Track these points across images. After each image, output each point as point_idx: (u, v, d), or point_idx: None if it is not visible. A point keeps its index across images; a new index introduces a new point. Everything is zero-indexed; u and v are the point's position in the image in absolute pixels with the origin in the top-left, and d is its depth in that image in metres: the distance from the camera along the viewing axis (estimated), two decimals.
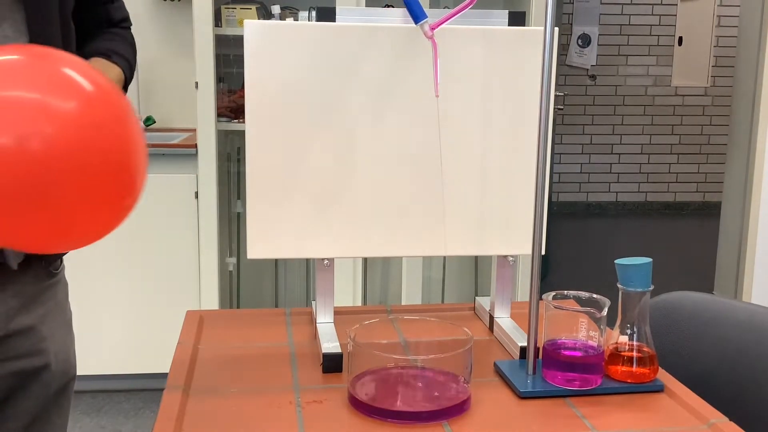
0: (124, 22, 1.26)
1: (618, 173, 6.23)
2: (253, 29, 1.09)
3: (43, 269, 1.13)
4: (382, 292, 3.15)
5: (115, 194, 0.80)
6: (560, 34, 3.50)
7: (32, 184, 0.73)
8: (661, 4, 6.05)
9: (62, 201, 0.75)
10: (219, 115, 2.74)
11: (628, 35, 6.06)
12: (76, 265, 1.46)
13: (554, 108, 2.45)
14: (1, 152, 0.71)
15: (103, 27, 1.21)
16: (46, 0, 1.03)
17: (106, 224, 0.82)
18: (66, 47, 1.07)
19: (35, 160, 0.72)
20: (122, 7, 1.26)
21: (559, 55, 1.27)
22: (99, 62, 1.12)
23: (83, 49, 1.15)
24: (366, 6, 2.70)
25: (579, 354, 1.04)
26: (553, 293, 1.06)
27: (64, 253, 1.18)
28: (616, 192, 6.26)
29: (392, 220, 1.15)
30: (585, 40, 5.94)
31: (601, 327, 1.03)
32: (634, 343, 1.05)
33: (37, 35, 1.02)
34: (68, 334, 1.20)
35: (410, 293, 2.86)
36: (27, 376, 1.11)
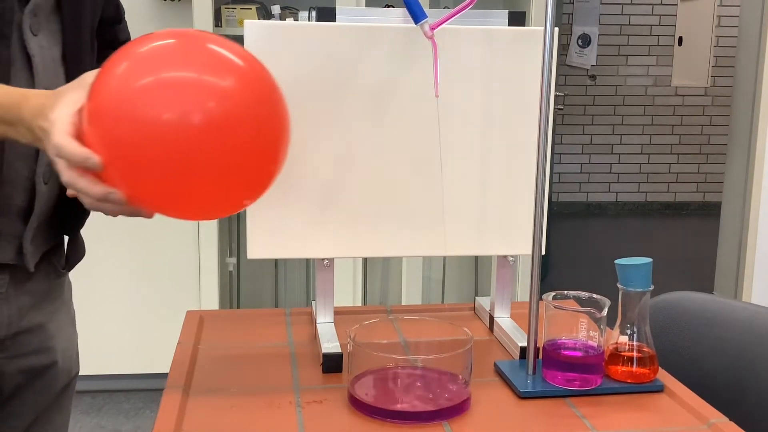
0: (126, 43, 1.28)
1: (618, 173, 6.24)
2: (253, 29, 1.09)
3: (52, 267, 1.13)
4: (382, 292, 3.15)
5: (264, 162, 0.86)
6: (560, 34, 3.50)
7: (193, 154, 0.79)
8: (661, 4, 6.05)
9: (221, 169, 0.81)
10: None
11: (628, 35, 6.07)
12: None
13: (554, 108, 2.45)
14: (166, 126, 0.77)
15: (108, 47, 1.22)
16: (80, 14, 1.06)
17: (255, 192, 0.89)
18: (92, 57, 1.11)
19: (197, 133, 0.78)
20: (126, 28, 1.29)
21: (559, 55, 1.27)
22: None
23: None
24: (366, 6, 2.70)
25: (579, 354, 1.04)
26: (553, 293, 1.06)
27: (71, 252, 1.18)
28: (616, 192, 6.27)
29: (392, 220, 1.15)
30: (585, 40, 5.94)
31: (601, 327, 1.03)
32: (634, 343, 1.05)
33: (70, 45, 1.05)
34: (73, 332, 1.21)
35: (410, 293, 2.86)
36: (35, 373, 1.12)
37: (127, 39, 1.28)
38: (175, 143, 0.78)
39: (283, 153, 0.89)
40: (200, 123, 0.78)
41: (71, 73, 1.05)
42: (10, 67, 0.97)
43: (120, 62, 0.82)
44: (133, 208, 0.85)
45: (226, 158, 0.81)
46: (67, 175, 0.82)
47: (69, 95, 0.83)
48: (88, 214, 1.10)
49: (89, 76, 0.84)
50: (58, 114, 0.81)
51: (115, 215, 0.86)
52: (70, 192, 1.04)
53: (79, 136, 0.82)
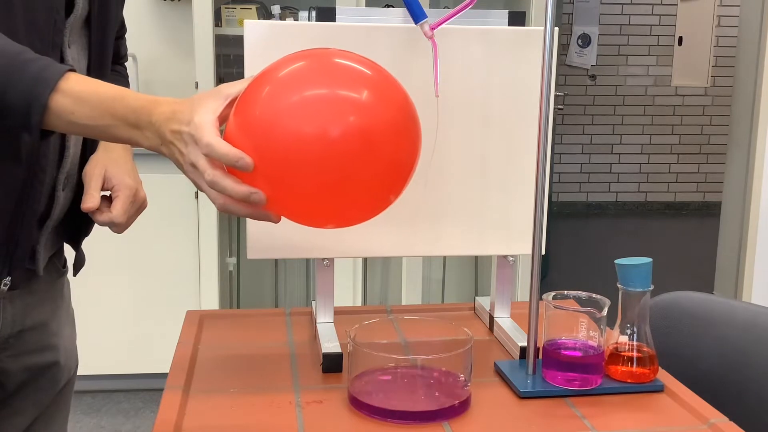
0: (125, 57, 1.32)
1: (618, 173, 6.24)
2: (253, 29, 1.09)
3: (53, 267, 1.14)
4: (382, 292, 3.15)
5: (398, 179, 0.91)
6: (560, 34, 3.50)
7: (337, 166, 0.84)
8: (661, 4, 6.05)
9: (362, 181, 0.86)
10: None
11: (628, 35, 6.07)
12: None
13: (554, 108, 2.46)
14: (310, 141, 0.83)
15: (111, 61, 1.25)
16: (105, 29, 1.11)
17: (383, 206, 0.93)
18: (109, 69, 1.16)
19: (337, 145, 0.83)
20: (125, 44, 1.33)
21: (559, 55, 1.27)
22: None
23: None
24: (366, 6, 2.70)
25: (579, 354, 1.04)
26: (553, 293, 1.06)
27: (76, 258, 1.19)
28: (616, 192, 6.26)
29: (392, 220, 1.15)
30: (585, 40, 5.94)
31: (601, 327, 1.03)
32: (634, 343, 1.05)
33: (95, 58, 1.09)
34: (72, 331, 1.22)
35: (410, 293, 2.86)
36: (38, 370, 1.13)
37: (126, 53, 1.32)
38: (319, 153, 0.83)
39: (413, 169, 0.93)
40: (340, 135, 0.84)
41: None
42: None
43: (267, 79, 0.88)
44: (263, 211, 0.89)
45: (366, 171, 0.86)
46: (210, 174, 0.85)
47: (208, 103, 0.87)
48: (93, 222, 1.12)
49: (226, 88, 0.89)
50: (204, 118, 0.85)
51: (242, 216, 0.90)
52: (84, 206, 1.05)
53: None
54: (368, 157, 0.85)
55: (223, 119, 0.88)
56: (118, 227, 1.09)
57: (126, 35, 1.32)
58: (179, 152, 0.87)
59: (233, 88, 0.89)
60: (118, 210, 1.08)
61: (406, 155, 0.91)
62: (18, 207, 1.00)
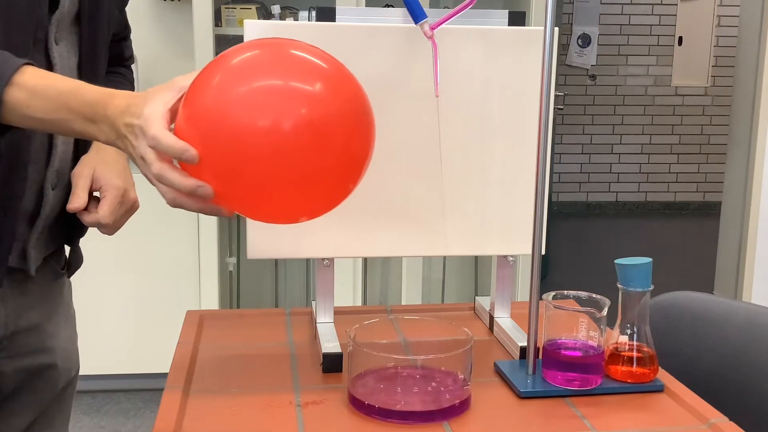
0: (130, 59, 1.32)
1: (618, 173, 6.23)
2: (253, 29, 1.09)
3: (50, 269, 1.14)
4: (382, 292, 3.15)
5: (351, 170, 0.90)
6: (560, 34, 3.50)
7: (285, 158, 0.83)
8: (661, 4, 6.05)
9: (313, 173, 0.85)
10: None
11: (628, 35, 6.06)
12: None
13: (554, 108, 2.45)
14: (263, 134, 0.81)
15: (113, 63, 1.26)
16: (96, 28, 1.10)
17: (336, 200, 0.92)
18: (104, 68, 1.15)
19: (290, 139, 0.82)
20: (130, 46, 1.32)
21: (559, 55, 1.27)
22: None
23: None
24: (366, 6, 2.70)
25: (579, 354, 1.04)
26: (553, 293, 1.06)
27: (72, 259, 1.19)
28: (616, 192, 6.26)
29: (392, 220, 1.15)
30: (585, 40, 5.94)
31: (601, 327, 1.03)
32: (634, 343, 1.05)
33: (85, 56, 1.09)
34: (72, 333, 1.22)
35: (410, 293, 2.85)
36: (34, 373, 1.12)
37: (131, 55, 1.32)
38: (269, 146, 0.82)
39: (368, 161, 0.92)
40: (292, 128, 0.82)
41: (85, 81, 1.07)
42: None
43: (219, 67, 0.86)
44: (213, 205, 0.88)
45: (317, 163, 0.84)
46: (157, 167, 0.84)
47: (160, 95, 0.87)
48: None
49: (180, 80, 0.88)
50: (152, 110, 0.85)
51: (192, 211, 0.90)
52: (70, 206, 1.05)
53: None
54: (317, 151, 0.84)
55: (174, 112, 0.87)
56: (106, 228, 1.08)
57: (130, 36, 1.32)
58: (131, 146, 0.86)
59: (187, 80, 0.88)
60: (104, 210, 1.07)
61: (358, 147, 0.89)
62: None
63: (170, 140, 0.83)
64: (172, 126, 0.87)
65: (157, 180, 0.86)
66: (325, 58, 0.89)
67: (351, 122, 0.87)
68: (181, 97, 0.87)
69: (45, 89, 0.88)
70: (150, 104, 0.85)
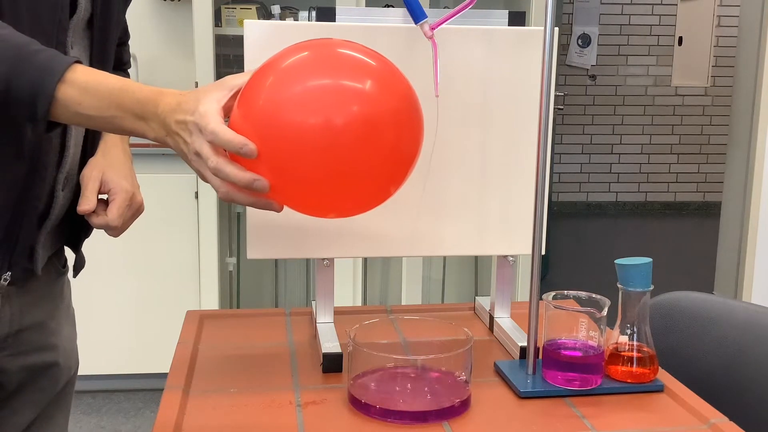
0: (127, 64, 1.33)
1: (618, 173, 6.24)
2: (253, 29, 1.09)
3: (53, 267, 1.14)
4: (382, 292, 3.15)
5: (400, 169, 0.92)
6: (560, 34, 3.50)
7: (339, 155, 0.85)
8: (661, 4, 6.05)
9: (363, 170, 0.87)
10: None
11: (628, 35, 6.07)
12: None
13: (554, 108, 2.46)
14: (313, 130, 0.84)
15: (113, 67, 1.25)
16: (106, 32, 1.11)
17: (385, 195, 0.94)
18: (110, 70, 1.15)
19: (339, 134, 0.84)
20: (129, 50, 1.33)
21: (559, 55, 1.27)
22: None
23: None
24: (366, 6, 2.70)
25: (579, 354, 1.04)
26: (553, 293, 1.06)
27: (76, 260, 1.19)
28: (616, 192, 6.27)
29: (392, 220, 1.15)
30: (585, 40, 5.94)
31: (601, 327, 1.03)
32: (634, 343, 1.05)
33: (96, 60, 1.10)
34: (72, 331, 1.22)
35: (410, 293, 2.86)
36: (37, 370, 1.12)
37: (129, 60, 1.33)
38: (321, 142, 0.85)
39: (416, 160, 0.94)
40: (343, 124, 0.85)
41: None
42: None
43: (272, 68, 0.89)
44: (266, 199, 0.90)
45: (367, 160, 0.87)
46: (214, 161, 0.86)
47: (213, 93, 0.89)
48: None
49: (231, 79, 0.90)
50: (208, 107, 0.87)
51: (245, 205, 0.91)
52: (80, 209, 1.05)
53: None
54: (370, 147, 0.86)
55: (227, 110, 0.89)
56: (114, 231, 1.09)
57: (129, 41, 1.32)
58: (183, 142, 0.88)
59: (237, 79, 0.90)
60: (113, 213, 1.08)
61: (408, 145, 0.91)
62: (19, 203, 1.00)
63: (229, 134, 0.85)
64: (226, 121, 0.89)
65: (213, 174, 0.87)
66: (375, 57, 0.91)
67: (401, 120, 0.89)
68: (234, 95, 0.89)
69: (96, 86, 0.88)
70: (204, 101, 0.87)
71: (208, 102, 0.87)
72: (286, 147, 0.85)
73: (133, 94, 0.89)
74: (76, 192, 1.10)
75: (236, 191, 0.88)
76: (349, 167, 0.86)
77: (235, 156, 0.87)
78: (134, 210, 1.13)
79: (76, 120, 0.90)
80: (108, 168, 1.11)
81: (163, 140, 0.90)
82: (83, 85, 0.88)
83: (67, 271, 1.20)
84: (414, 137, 0.92)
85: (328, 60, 0.90)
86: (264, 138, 0.86)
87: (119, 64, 1.29)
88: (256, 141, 0.85)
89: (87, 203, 1.07)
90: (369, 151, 0.87)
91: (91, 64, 1.10)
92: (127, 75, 1.33)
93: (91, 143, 1.13)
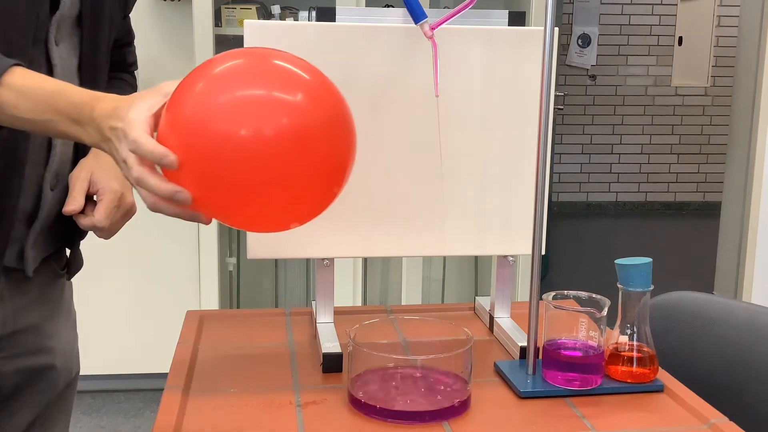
0: (133, 66, 1.32)
1: (618, 173, 6.24)
2: (253, 29, 1.09)
3: (50, 270, 1.14)
4: (382, 292, 3.15)
5: (333, 174, 0.90)
6: (560, 34, 3.50)
7: (268, 170, 0.83)
8: (661, 4, 6.05)
9: (293, 183, 0.85)
10: None
11: (628, 35, 6.07)
12: None
13: (554, 108, 2.45)
14: (243, 143, 0.82)
15: (116, 69, 1.26)
16: (97, 31, 1.10)
17: (317, 210, 0.92)
18: (105, 72, 1.16)
19: (270, 148, 0.82)
20: (134, 52, 1.32)
21: (559, 55, 1.27)
22: None
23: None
24: (366, 6, 2.70)
25: (579, 354, 1.04)
26: (553, 293, 1.06)
27: (72, 261, 1.19)
28: (616, 192, 6.26)
29: (392, 220, 1.15)
30: (585, 40, 5.94)
31: (601, 327, 1.03)
32: (634, 343, 1.05)
33: (86, 58, 1.09)
34: (72, 333, 1.21)
35: (410, 293, 2.85)
36: (33, 373, 1.12)
37: (134, 62, 1.32)
38: (249, 155, 0.82)
39: (349, 171, 0.92)
40: (273, 137, 0.83)
41: (85, 83, 1.09)
42: (39, 70, 1.00)
43: (202, 74, 0.87)
44: (192, 211, 0.88)
45: (297, 172, 0.85)
46: (137, 171, 0.85)
47: (145, 99, 0.87)
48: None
49: (166, 85, 0.89)
50: (136, 114, 0.85)
51: (171, 216, 0.90)
52: (66, 209, 1.05)
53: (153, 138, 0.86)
54: (297, 160, 0.84)
55: (159, 117, 0.87)
56: (102, 232, 1.08)
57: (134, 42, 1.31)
58: (114, 149, 0.86)
59: (173, 85, 0.88)
60: (100, 214, 1.07)
61: (338, 156, 0.89)
62: None
63: (150, 145, 0.83)
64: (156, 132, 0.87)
65: (136, 183, 0.86)
66: (307, 69, 0.89)
67: (331, 132, 0.87)
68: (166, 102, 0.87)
69: (33, 90, 0.88)
70: (134, 108, 0.85)
71: (139, 109, 0.85)
72: (208, 159, 0.83)
73: (69, 98, 0.88)
74: (68, 192, 1.09)
75: (161, 202, 0.86)
76: (274, 180, 0.84)
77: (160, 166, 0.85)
78: (124, 211, 1.11)
79: (13, 123, 0.89)
80: (97, 168, 1.10)
81: (99, 146, 0.89)
82: (20, 88, 0.87)
83: (66, 274, 1.19)
84: (343, 147, 0.90)
85: (257, 70, 0.87)
86: (187, 148, 0.83)
87: (124, 66, 1.28)
88: (180, 151, 0.83)
89: (73, 203, 1.06)
90: (295, 163, 0.84)
91: (81, 63, 1.09)
92: (134, 77, 1.32)
93: (83, 143, 1.12)
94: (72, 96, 0.89)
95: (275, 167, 0.83)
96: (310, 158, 0.85)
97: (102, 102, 0.88)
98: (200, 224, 2.83)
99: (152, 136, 0.85)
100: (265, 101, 0.84)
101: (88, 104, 0.88)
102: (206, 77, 0.86)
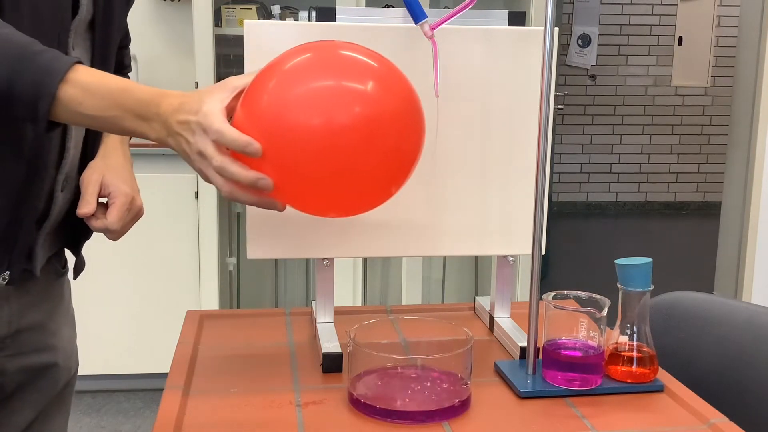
0: (128, 68, 1.33)
1: (618, 173, 6.24)
2: (253, 29, 1.09)
3: (52, 268, 1.14)
4: (382, 292, 3.15)
5: (402, 168, 0.93)
6: (560, 34, 3.50)
7: (342, 156, 0.86)
8: (661, 4, 6.05)
9: (364, 170, 0.89)
10: None
11: (628, 35, 6.07)
12: None
13: (554, 108, 2.45)
14: (316, 132, 0.85)
15: (113, 70, 1.25)
16: (108, 34, 1.11)
17: (386, 195, 0.95)
18: (111, 72, 1.16)
19: (341, 134, 0.86)
20: (129, 54, 1.33)
21: (559, 55, 1.27)
22: None
23: None
24: (366, 6, 2.70)
25: (579, 354, 1.04)
26: (553, 293, 1.06)
27: (76, 262, 1.20)
28: (616, 192, 6.26)
29: (392, 220, 1.15)
30: (585, 40, 5.94)
31: (601, 327, 1.03)
32: (634, 343, 1.05)
33: (97, 62, 1.10)
34: (72, 332, 1.22)
35: (410, 293, 2.86)
36: (36, 371, 1.13)
37: (129, 63, 1.33)
38: (324, 142, 0.86)
39: (417, 161, 0.95)
40: (345, 125, 0.86)
41: None
42: None
43: (275, 70, 0.90)
44: (269, 198, 0.92)
45: (369, 160, 0.88)
46: (218, 160, 0.87)
47: (216, 94, 0.89)
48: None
49: (233, 80, 0.91)
50: (212, 107, 0.88)
51: (248, 204, 0.93)
52: (80, 212, 1.06)
53: None
54: (372, 147, 0.87)
55: (230, 111, 0.89)
56: (113, 234, 1.10)
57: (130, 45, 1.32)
58: (186, 142, 0.88)
59: (240, 80, 0.91)
60: (113, 217, 1.08)
61: (409, 146, 0.92)
62: (18, 203, 1.00)
63: (235, 134, 0.86)
64: None
65: (218, 173, 0.88)
66: (376, 58, 0.92)
67: (402, 121, 0.90)
68: (236, 96, 0.90)
69: (98, 87, 0.89)
70: (208, 102, 0.88)
71: (212, 102, 0.88)
72: (289, 146, 0.86)
73: (134, 94, 0.90)
74: (76, 194, 1.10)
75: (240, 190, 0.89)
76: (351, 167, 0.87)
77: (238, 155, 0.88)
78: (134, 214, 1.13)
79: (77, 120, 0.90)
80: (108, 171, 1.11)
81: (164, 141, 0.91)
82: (85, 85, 0.88)
83: (66, 272, 1.20)
84: (415, 138, 0.93)
85: (330, 61, 0.91)
86: (268, 137, 0.87)
87: (120, 68, 1.29)
88: (260, 140, 0.86)
89: (87, 206, 1.07)
90: (371, 151, 0.88)
91: (92, 66, 1.10)
92: (128, 78, 1.33)
93: (91, 145, 1.13)
94: (138, 93, 0.90)
95: (348, 154, 0.87)
96: (382, 147, 0.88)
97: (168, 98, 0.89)
98: (200, 224, 2.84)
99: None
100: (338, 91, 0.88)
101: (154, 100, 0.89)
102: (279, 72, 0.90)
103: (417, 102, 0.93)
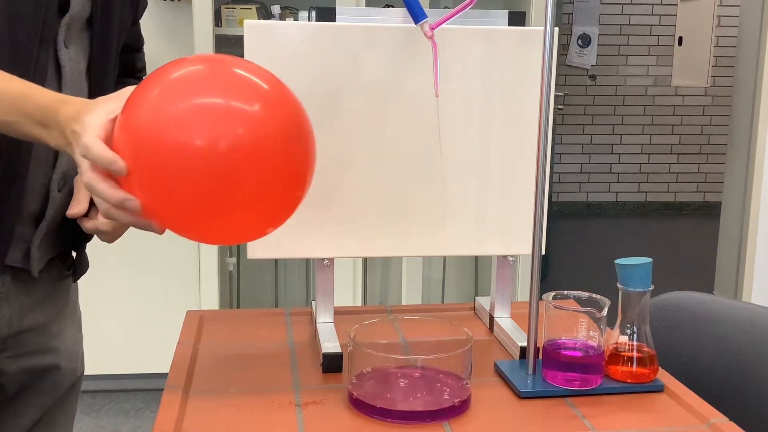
0: (142, 72, 1.32)
1: (618, 173, 6.23)
2: (253, 29, 1.09)
3: (55, 270, 1.14)
4: (382, 292, 3.15)
5: (291, 187, 0.87)
6: (560, 34, 3.50)
7: (220, 181, 0.80)
8: (661, 4, 6.05)
9: (247, 196, 0.82)
10: None
11: (628, 35, 6.06)
12: None
13: (554, 108, 2.45)
14: (195, 152, 0.79)
15: (124, 74, 1.26)
16: (107, 33, 1.11)
17: (280, 217, 0.90)
18: (114, 75, 1.16)
19: (224, 159, 0.79)
20: (143, 58, 1.32)
21: (559, 55, 1.27)
22: None
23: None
24: (366, 6, 2.70)
25: (579, 354, 1.04)
26: (553, 293, 1.06)
27: (78, 263, 1.19)
28: (616, 192, 6.26)
29: (392, 220, 1.15)
30: (585, 40, 5.94)
31: (601, 327, 1.03)
32: (634, 343, 1.05)
33: (95, 61, 1.09)
34: (77, 334, 1.22)
35: (410, 293, 2.86)
36: (38, 373, 1.12)
37: (143, 67, 1.32)
38: (203, 166, 0.80)
39: (309, 180, 0.89)
40: (227, 149, 0.80)
41: (94, 86, 1.10)
42: (46, 71, 1.01)
43: (157, 81, 0.85)
44: (144, 220, 0.87)
45: (252, 185, 0.82)
46: (88, 176, 0.84)
47: (106, 104, 0.86)
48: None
49: (129, 90, 0.87)
50: (92, 119, 0.84)
51: (125, 224, 0.88)
52: (69, 212, 1.05)
53: (109, 144, 0.84)
54: (244, 175, 0.81)
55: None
56: (105, 236, 1.09)
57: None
58: (75, 153, 0.86)
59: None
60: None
61: (294, 168, 0.87)
62: None
63: (99, 150, 0.82)
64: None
65: (87, 189, 0.85)
66: (266, 78, 0.87)
67: (286, 144, 0.85)
68: None
69: None
70: (93, 113, 0.84)
71: (98, 113, 0.84)
72: (160, 167, 0.80)
73: (35, 99, 0.88)
74: None
75: (113, 209, 0.85)
76: (228, 192, 0.81)
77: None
78: None
79: None
80: None
81: (63, 149, 0.88)
82: None
83: (71, 274, 1.19)
84: (300, 159, 0.87)
85: (217, 77, 0.85)
86: (138, 155, 0.81)
87: (132, 71, 1.28)
88: (130, 157, 0.81)
89: (77, 206, 1.06)
90: (249, 175, 0.81)
91: (91, 65, 1.09)
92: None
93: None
94: (39, 98, 0.88)
95: (229, 179, 0.80)
96: (265, 170, 0.82)
97: (67, 105, 0.87)
98: None
99: (110, 141, 0.83)
100: (221, 110, 0.81)
101: (53, 107, 0.87)
102: (162, 83, 0.83)
103: (305, 125, 0.87)
